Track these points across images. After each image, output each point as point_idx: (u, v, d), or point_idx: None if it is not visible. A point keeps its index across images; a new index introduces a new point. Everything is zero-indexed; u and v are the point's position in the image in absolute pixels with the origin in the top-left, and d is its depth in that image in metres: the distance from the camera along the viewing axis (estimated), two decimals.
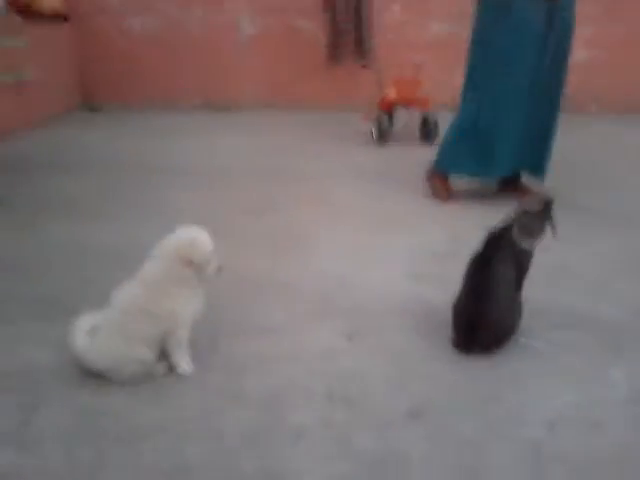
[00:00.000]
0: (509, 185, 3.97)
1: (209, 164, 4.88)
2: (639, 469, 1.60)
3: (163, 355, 2.02)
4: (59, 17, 7.09)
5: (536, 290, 2.34)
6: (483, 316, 2.09)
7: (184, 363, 2.01)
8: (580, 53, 6.98)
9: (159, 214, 3.57)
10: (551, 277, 2.70)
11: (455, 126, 3.88)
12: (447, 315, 2.21)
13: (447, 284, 2.34)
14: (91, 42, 7.55)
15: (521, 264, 2.24)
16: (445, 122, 5.84)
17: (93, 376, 1.95)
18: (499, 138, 3.69)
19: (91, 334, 1.99)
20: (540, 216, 2.24)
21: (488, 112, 3.67)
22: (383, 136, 5.76)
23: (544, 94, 3.65)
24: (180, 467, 1.61)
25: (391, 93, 5.84)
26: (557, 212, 2.26)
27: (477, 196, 3.99)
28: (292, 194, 4.07)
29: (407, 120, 6.03)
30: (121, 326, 1.95)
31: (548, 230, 2.24)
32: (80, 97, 7.63)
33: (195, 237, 1.96)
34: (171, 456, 1.65)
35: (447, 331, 2.20)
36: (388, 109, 5.91)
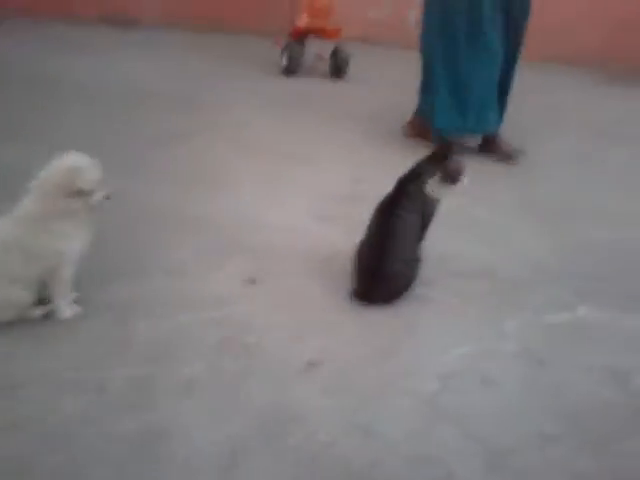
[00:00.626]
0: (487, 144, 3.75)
1: (107, 86, 4.51)
2: (524, 423, 1.64)
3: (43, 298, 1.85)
4: None
5: (438, 239, 2.32)
6: (384, 267, 2.06)
7: (65, 306, 1.86)
8: None
9: (49, 140, 3.26)
10: (454, 227, 2.70)
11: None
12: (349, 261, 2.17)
13: (353, 227, 2.28)
14: None
15: (427, 213, 2.21)
16: (357, 57, 5.77)
17: None
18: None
19: None
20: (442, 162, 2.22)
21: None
22: (292, 67, 5.55)
23: (508, 47, 3.45)
24: (55, 422, 1.49)
25: (303, 20, 5.58)
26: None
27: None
28: (200, 123, 3.84)
29: (319, 52, 5.82)
30: None
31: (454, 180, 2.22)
32: None
33: (77, 164, 1.75)
34: (45, 410, 1.52)
35: (349, 279, 2.16)
36: (299, 38, 5.67)
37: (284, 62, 5.58)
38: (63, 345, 1.75)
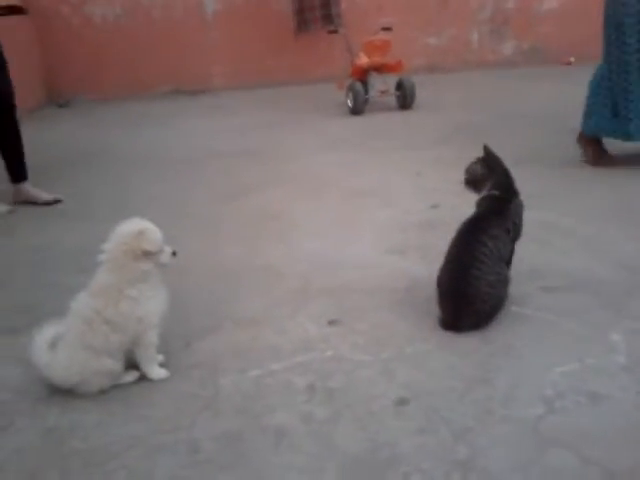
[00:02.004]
0: None
1: (180, 150, 4.70)
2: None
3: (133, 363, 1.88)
4: (16, 10, 6.81)
5: (526, 254, 2.20)
6: (469, 290, 1.95)
7: (153, 370, 1.87)
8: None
9: (129, 207, 3.41)
10: (543, 240, 2.56)
11: (590, 84, 3.63)
12: (432, 291, 2.08)
13: (430, 255, 2.21)
14: (54, 35, 7.28)
15: (516, 228, 2.11)
16: (422, 85, 5.72)
17: (61, 392, 1.81)
18: (628, 99, 3.41)
19: (53, 347, 1.85)
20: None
21: (616, 71, 3.42)
22: (359, 105, 5.58)
23: None
24: None
25: (362, 59, 5.63)
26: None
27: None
28: (268, 174, 3.92)
29: (385, 86, 5.83)
30: (81, 337, 1.80)
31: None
32: (46, 93, 7.40)
33: (138, 227, 1.80)
34: (139, 475, 1.52)
35: (434, 308, 2.07)
36: (361, 76, 5.72)
37: (350, 102, 5.63)
38: (153, 408, 1.76)
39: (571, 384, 1.70)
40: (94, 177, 4.18)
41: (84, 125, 6.07)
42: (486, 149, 2.17)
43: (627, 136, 3.46)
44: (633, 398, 1.63)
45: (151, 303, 1.83)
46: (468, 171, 2.19)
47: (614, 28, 3.36)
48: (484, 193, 2.13)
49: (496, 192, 2.11)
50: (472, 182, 2.17)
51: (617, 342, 1.87)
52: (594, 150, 3.63)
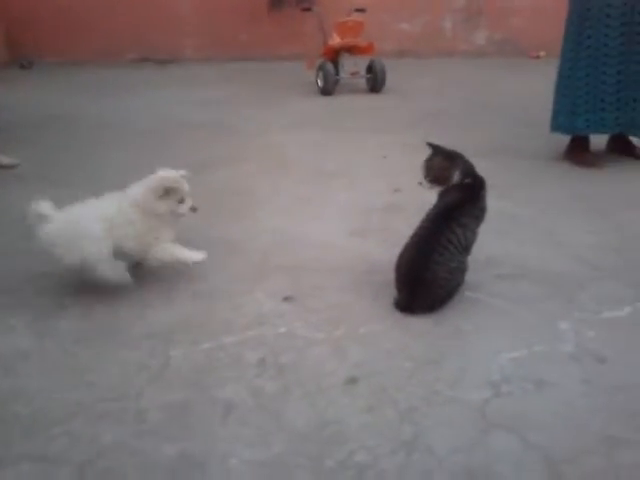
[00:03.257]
0: (617, 147, 3.68)
1: (145, 120, 4.61)
2: (588, 427, 1.51)
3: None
4: None
5: (484, 243, 2.21)
6: (428, 275, 1.96)
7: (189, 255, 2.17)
8: None
9: (89, 173, 3.34)
10: (500, 229, 2.59)
11: (556, 82, 3.59)
12: (391, 273, 2.09)
13: (391, 238, 2.21)
14: None
15: (480, 220, 2.12)
16: (393, 70, 5.71)
17: (3, 356, 1.77)
18: (595, 93, 3.40)
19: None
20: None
21: (583, 66, 3.39)
22: (329, 85, 5.55)
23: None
24: (92, 454, 1.46)
25: (334, 39, 5.59)
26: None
27: None
28: (233, 148, 3.87)
29: (355, 68, 5.80)
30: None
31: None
32: (8, 52, 7.16)
33: (168, 173, 2.10)
34: (82, 442, 1.49)
35: (390, 290, 2.07)
36: (332, 57, 5.68)
37: (320, 82, 5.59)
38: (100, 376, 1.73)
39: (518, 370, 1.72)
40: (55, 142, 4.07)
41: (47, 88, 5.90)
42: (431, 145, 2.15)
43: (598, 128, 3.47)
44: (577, 386, 1.66)
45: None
46: (430, 167, 2.13)
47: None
48: (455, 181, 2.11)
49: (469, 180, 2.11)
50: (437, 177, 2.13)
51: (565, 331, 1.90)
52: (582, 153, 3.61)
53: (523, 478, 1.37)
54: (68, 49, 7.07)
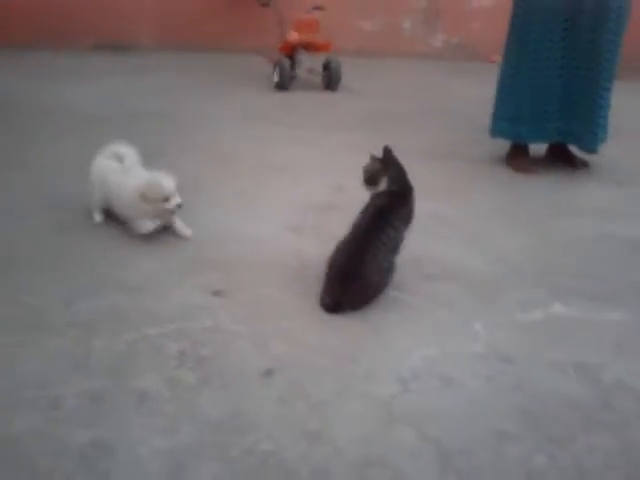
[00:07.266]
0: (556, 155, 3.75)
1: (93, 108, 4.57)
2: (482, 423, 1.61)
3: None
4: None
5: (412, 243, 2.29)
6: (362, 276, 2.05)
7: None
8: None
9: (27, 163, 3.32)
10: (429, 231, 2.68)
11: (498, 85, 3.64)
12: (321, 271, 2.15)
13: (325, 237, 2.27)
14: None
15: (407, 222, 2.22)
16: (350, 69, 5.77)
17: None
18: (539, 102, 3.46)
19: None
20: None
21: (525, 72, 3.44)
22: (284, 81, 5.58)
23: (582, 64, 3.37)
24: (3, 439, 1.49)
25: (292, 36, 5.62)
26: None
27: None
28: (179, 139, 3.88)
29: (312, 65, 5.84)
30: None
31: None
32: None
33: (152, 179, 2.42)
34: None
35: (319, 288, 2.14)
36: (289, 52, 5.71)
37: (276, 77, 5.62)
38: (20, 364, 1.75)
39: (428, 368, 1.81)
40: (13, 129, 4.01)
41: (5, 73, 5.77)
42: (386, 150, 2.24)
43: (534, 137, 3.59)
44: (481, 384, 1.76)
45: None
46: (366, 171, 2.26)
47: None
48: (382, 188, 2.22)
49: (394, 187, 2.21)
50: (368, 181, 2.24)
51: (478, 332, 2.00)
52: (521, 159, 3.70)
53: (416, 467, 1.45)
54: (13, 33, 6.86)
